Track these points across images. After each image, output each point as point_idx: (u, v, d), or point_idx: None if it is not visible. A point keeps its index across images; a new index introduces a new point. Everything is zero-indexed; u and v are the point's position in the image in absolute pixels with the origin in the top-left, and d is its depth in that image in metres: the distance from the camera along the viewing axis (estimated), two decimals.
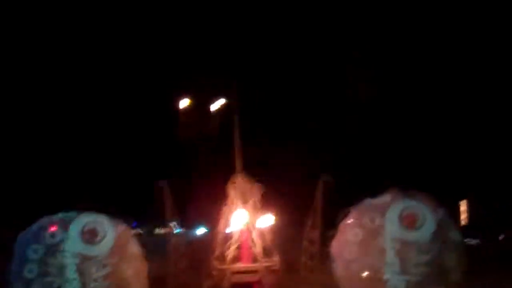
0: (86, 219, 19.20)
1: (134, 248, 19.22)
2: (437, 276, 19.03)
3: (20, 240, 19.46)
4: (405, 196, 19.28)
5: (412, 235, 18.98)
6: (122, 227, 19.18)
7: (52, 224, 19.57)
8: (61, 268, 18.96)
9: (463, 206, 28.41)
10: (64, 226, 19.40)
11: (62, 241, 19.12)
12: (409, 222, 19.07)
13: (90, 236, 18.99)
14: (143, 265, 19.15)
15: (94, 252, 18.93)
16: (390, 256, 19.04)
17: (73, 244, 18.96)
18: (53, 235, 19.31)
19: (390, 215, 19.12)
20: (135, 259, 19.16)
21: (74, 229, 19.06)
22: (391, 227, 19.03)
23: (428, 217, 19.06)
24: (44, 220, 19.71)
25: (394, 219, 19.06)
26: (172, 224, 23.03)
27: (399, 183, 20.43)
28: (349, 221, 20.16)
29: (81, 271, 18.74)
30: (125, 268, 18.93)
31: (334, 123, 28.58)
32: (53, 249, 19.14)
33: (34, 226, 19.66)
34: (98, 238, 19.05)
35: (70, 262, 18.91)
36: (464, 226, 25.76)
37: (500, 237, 26.30)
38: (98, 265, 18.80)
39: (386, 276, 19.13)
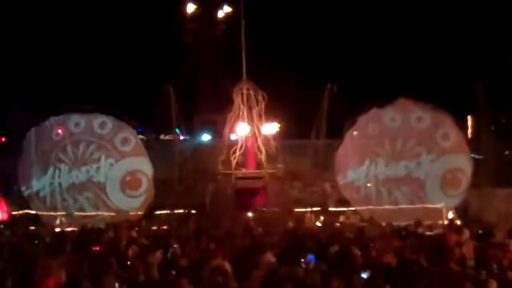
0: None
1: None
2: None
3: (28, 139, 19.82)
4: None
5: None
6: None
7: (57, 125, 19.86)
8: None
9: (469, 120, 28.24)
10: (67, 126, 19.74)
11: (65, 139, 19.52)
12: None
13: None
14: None
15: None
16: None
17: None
18: (58, 135, 19.75)
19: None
20: None
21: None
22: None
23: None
24: (49, 121, 19.93)
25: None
26: (177, 129, 22.99)
27: (405, 93, 20.28)
28: (355, 131, 20.15)
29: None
30: None
31: (341, 31, 28.00)
32: (59, 146, 19.60)
33: (41, 127, 19.93)
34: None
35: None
36: (469, 140, 25.64)
37: (506, 152, 26.24)
38: None
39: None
